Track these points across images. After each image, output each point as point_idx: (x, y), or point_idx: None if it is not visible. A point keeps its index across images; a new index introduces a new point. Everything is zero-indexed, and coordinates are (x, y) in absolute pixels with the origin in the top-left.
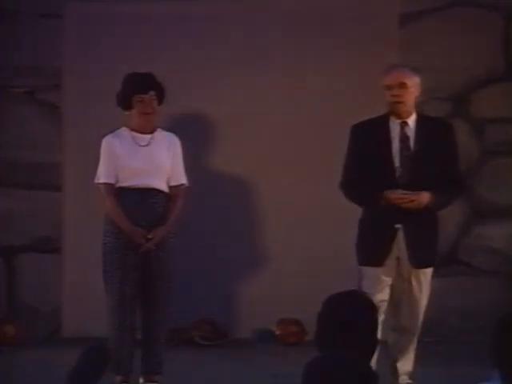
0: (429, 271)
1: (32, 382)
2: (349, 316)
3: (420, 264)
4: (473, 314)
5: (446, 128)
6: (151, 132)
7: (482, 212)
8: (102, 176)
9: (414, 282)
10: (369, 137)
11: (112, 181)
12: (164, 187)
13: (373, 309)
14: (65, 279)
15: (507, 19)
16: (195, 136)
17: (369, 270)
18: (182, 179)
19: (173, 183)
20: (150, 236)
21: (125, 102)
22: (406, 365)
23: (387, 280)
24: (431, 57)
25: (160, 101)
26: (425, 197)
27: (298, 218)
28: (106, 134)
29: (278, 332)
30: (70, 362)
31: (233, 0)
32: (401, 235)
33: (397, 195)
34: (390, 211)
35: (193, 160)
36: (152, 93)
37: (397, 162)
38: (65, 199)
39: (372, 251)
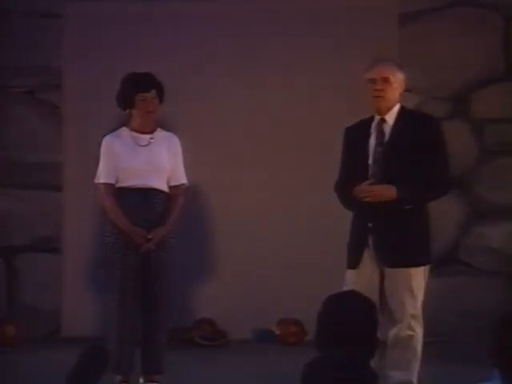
0: (407, 272)
1: (32, 382)
2: (349, 316)
3: (389, 262)
4: (473, 313)
5: (428, 123)
6: (151, 132)
7: (482, 212)
8: (102, 176)
9: (387, 282)
10: (354, 137)
11: (112, 181)
12: (164, 187)
13: (373, 309)
14: (65, 279)
15: (507, 19)
16: (194, 136)
17: (348, 273)
18: (182, 179)
19: (173, 183)
20: (149, 236)
21: (126, 101)
22: (399, 375)
23: (363, 282)
24: (431, 57)
25: (160, 100)
26: (385, 189)
27: (298, 218)
28: (106, 134)
29: (278, 332)
30: (70, 362)
31: (232, 0)
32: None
33: (357, 190)
34: (364, 210)
35: (192, 159)
36: (154, 91)
37: (370, 160)
38: (65, 199)
39: (350, 253)
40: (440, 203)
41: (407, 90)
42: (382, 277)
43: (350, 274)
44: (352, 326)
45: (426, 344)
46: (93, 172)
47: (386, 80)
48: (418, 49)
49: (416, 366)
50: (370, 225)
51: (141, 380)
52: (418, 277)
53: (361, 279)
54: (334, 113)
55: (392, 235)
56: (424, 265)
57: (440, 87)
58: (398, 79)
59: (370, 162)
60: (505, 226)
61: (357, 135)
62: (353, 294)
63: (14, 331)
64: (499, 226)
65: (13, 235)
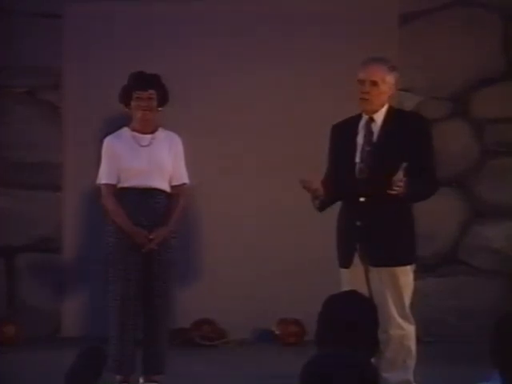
0: (393, 271)
1: (32, 382)
2: (349, 316)
3: (375, 261)
4: (472, 313)
5: (416, 122)
6: (152, 132)
7: (482, 212)
8: (104, 177)
9: (374, 282)
10: (341, 135)
11: (113, 181)
12: (166, 187)
13: (373, 309)
14: (65, 279)
15: (507, 19)
16: (195, 135)
17: (343, 273)
18: (183, 178)
19: (175, 183)
20: (151, 236)
21: (124, 97)
22: (395, 376)
23: (361, 281)
24: (431, 57)
25: (161, 102)
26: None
27: (298, 219)
28: (107, 135)
29: (277, 332)
30: (70, 362)
31: (233, 1)
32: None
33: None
34: (351, 208)
35: (193, 159)
36: (151, 91)
37: (357, 158)
38: (65, 199)
39: (341, 252)
40: (440, 203)
41: (407, 89)
42: (368, 276)
43: (345, 273)
44: (352, 326)
45: (425, 344)
46: (93, 172)
47: (374, 83)
48: (418, 49)
49: (412, 364)
50: (358, 223)
51: (141, 380)
52: (405, 276)
53: (357, 278)
54: (335, 113)
55: (379, 234)
56: (410, 264)
57: (440, 87)
58: (387, 83)
59: (357, 160)
60: (505, 226)
61: (344, 133)
62: (353, 294)
63: (14, 331)
64: (499, 226)
65: (13, 235)
